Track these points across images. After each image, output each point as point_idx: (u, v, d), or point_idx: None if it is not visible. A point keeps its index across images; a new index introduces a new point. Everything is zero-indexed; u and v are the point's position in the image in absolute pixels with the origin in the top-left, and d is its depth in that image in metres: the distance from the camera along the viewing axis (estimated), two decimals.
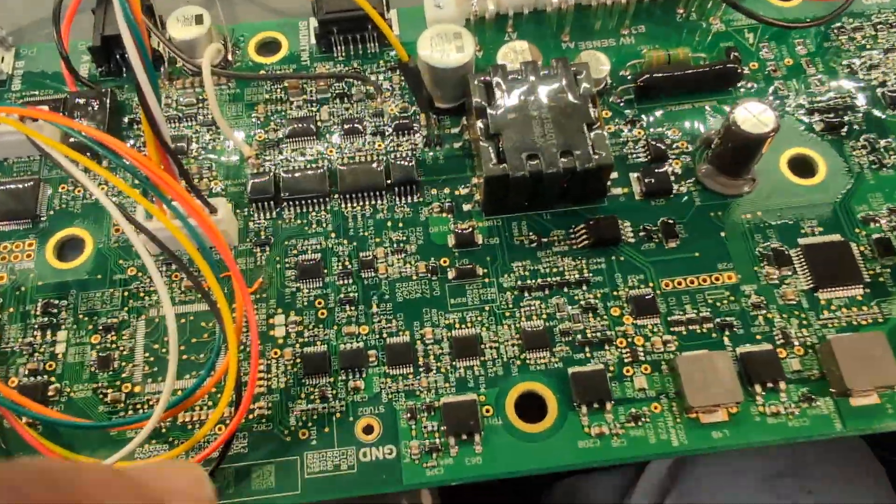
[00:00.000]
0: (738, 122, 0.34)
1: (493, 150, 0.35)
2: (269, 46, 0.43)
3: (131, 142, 0.40)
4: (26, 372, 0.34)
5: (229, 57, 0.42)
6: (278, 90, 0.41)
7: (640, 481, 0.49)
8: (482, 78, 0.36)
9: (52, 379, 0.34)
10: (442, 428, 0.33)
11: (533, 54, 0.40)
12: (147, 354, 0.35)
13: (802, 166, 0.39)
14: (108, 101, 0.40)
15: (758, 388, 0.33)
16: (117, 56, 0.41)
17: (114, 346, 0.35)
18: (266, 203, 0.38)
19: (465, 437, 0.32)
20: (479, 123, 0.35)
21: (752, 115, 0.35)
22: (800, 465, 0.46)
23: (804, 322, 0.34)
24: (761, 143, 0.35)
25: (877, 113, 0.39)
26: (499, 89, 0.36)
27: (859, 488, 0.46)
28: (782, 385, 0.33)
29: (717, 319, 0.35)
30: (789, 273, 0.36)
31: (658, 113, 0.40)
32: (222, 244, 0.31)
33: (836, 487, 0.46)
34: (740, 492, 0.45)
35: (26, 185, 0.38)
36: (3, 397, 0.30)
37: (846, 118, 0.39)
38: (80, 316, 0.35)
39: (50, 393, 0.34)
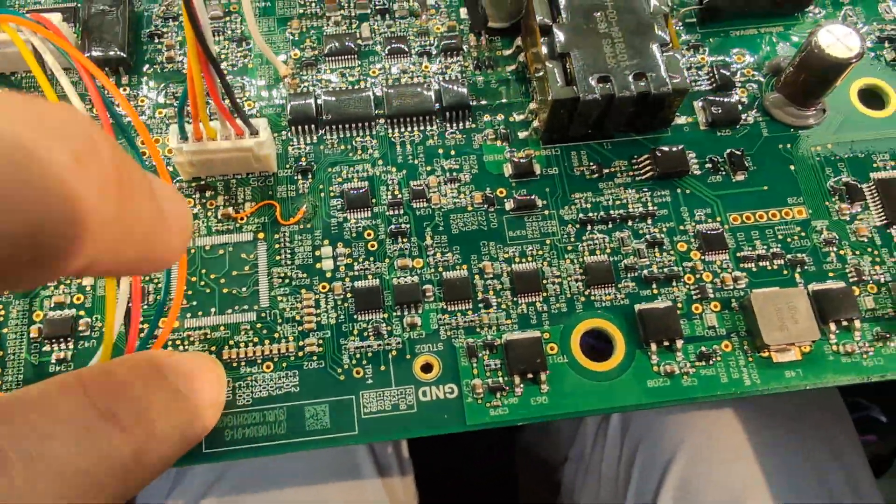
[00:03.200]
0: (821, 45, 0.32)
1: (560, 71, 0.32)
2: None
3: (150, 59, 0.37)
4: (52, 305, 0.32)
5: None
6: (313, 4, 0.38)
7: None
8: None
9: (82, 313, 0.31)
10: (505, 366, 0.31)
11: None
12: (185, 288, 0.32)
13: (873, 97, 0.37)
14: (125, 11, 0.36)
15: (832, 327, 0.32)
16: None
17: (146, 278, 0.32)
18: (306, 126, 0.35)
19: (530, 375, 0.31)
20: (544, 42, 0.33)
21: (837, 39, 0.32)
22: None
23: (877, 259, 0.33)
24: (844, 69, 0.33)
25: None
26: (563, 5, 0.33)
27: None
28: (857, 323, 0.32)
29: (789, 256, 0.33)
30: (861, 209, 0.34)
31: (722, 38, 0.38)
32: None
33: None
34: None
35: None
36: None
37: None
38: None
39: (80, 328, 0.31)
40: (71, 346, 0.31)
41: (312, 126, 0.35)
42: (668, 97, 0.32)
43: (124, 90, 0.36)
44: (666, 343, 0.31)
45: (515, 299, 0.32)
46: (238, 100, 0.35)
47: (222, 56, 0.37)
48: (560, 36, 0.32)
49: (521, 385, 0.31)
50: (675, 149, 0.34)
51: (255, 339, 0.31)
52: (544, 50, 0.33)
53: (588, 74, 0.32)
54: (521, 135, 0.35)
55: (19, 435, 0.16)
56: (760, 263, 0.33)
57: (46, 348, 0.31)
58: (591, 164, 0.35)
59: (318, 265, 0.33)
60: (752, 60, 0.37)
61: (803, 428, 0.49)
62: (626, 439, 0.52)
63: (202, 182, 0.34)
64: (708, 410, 0.49)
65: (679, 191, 0.34)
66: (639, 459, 0.50)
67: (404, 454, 0.52)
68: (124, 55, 0.35)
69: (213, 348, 0.31)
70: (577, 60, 0.32)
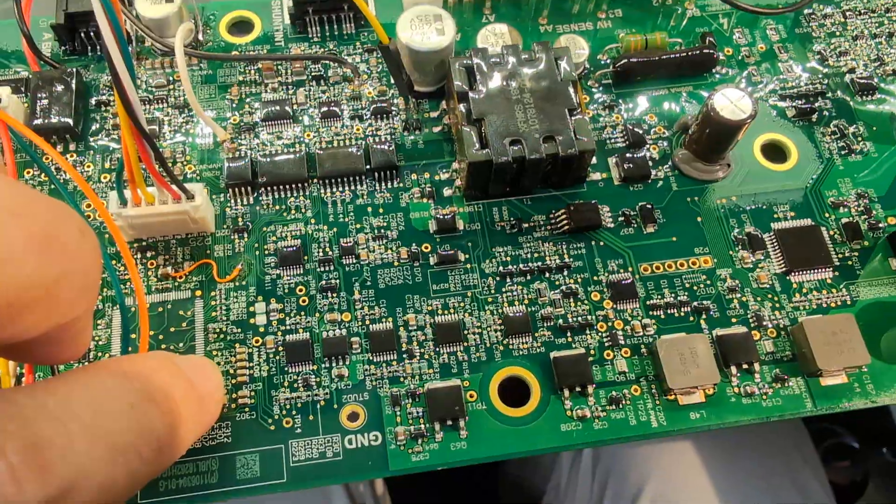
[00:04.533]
0: (716, 108, 0.35)
1: (475, 135, 0.35)
2: (241, 26, 0.42)
3: (97, 126, 0.39)
4: None
5: (200, 36, 0.41)
6: (252, 72, 0.40)
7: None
8: (463, 61, 0.36)
9: (23, 371, 0.33)
10: (427, 413, 0.33)
11: (513, 37, 0.40)
12: (123, 345, 0.34)
13: (775, 152, 0.39)
14: (73, 82, 0.38)
15: (733, 370, 0.34)
16: (81, 34, 0.40)
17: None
18: (243, 188, 0.37)
19: (449, 422, 0.32)
20: (461, 108, 0.35)
21: (731, 102, 0.35)
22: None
23: (777, 305, 0.35)
24: (738, 130, 0.35)
25: (846, 99, 0.40)
26: (480, 73, 0.36)
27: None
28: (756, 366, 0.34)
29: (694, 303, 0.35)
30: (762, 257, 0.36)
31: (635, 98, 0.40)
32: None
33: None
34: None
35: None
36: None
37: (817, 104, 0.40)
38: None
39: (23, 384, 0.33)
40: None
41: (249, 188, 0.37)
42: (575, 158, 0.34)
43: (71, 157, 0.38)
44: (579, 388, 0.33)
45: (438, 349, 0.34)
46: (177, 164, 0.38)
47: (165, 121, 0.39)
48: (476, 102, 0.35)
49: (441, 431, 0.32)
50: (589, 203, 0.37)
51: None
52: (462, 114, 0.35)
53: (501, 138, 0.34)
54: (446, 192, 0.38)
55: (77, 410, 0.19)
56: (668, 311, 0.35)
57: None
58: (512, 218, 0.37)
59: (251, 320, 0.34)
60: (663, 119, 0.40)
61: (766, 459, 0.51)
62: (597, 472, 0.54)
63: (143, 243, 0.36)
64: (674, 442, 0.51)
65: (593, 243, 0.37)
66: (609, 492, 0.52)
67: (378, 490, 0.53)
68: (71, 123, 0.37)
69: None
70: (492, 125, 0.34)
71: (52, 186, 0.37)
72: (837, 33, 0.42)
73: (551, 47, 0.37)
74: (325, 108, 0.39)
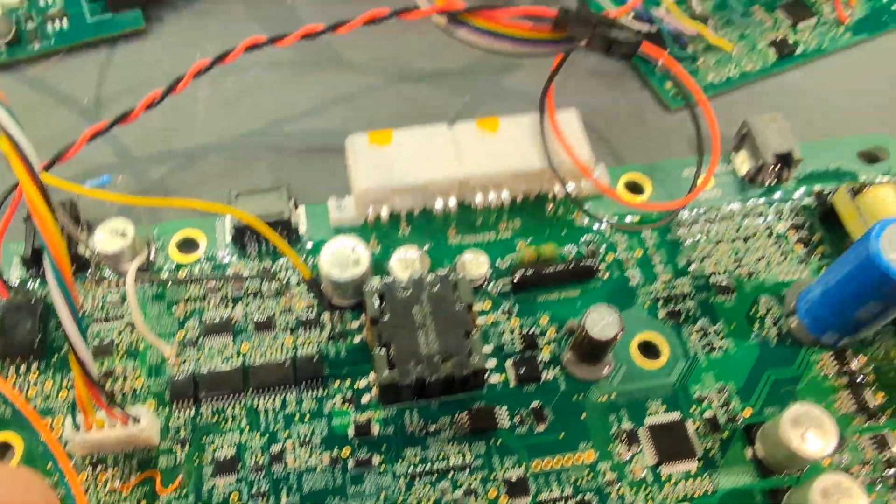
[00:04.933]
0: (587, 327, 0.41)
1: (385, 357, 0.41)
2: (188, 244, 0.48)
3: (57, 345, 0.44)
4: None
5: (152, 257, 0.47)
6: (196, 289, 0.46)
7: None
8: (376, 288, 0.42)
9: None
10: None
11: (422, 260, 0.46)
12: None
13: (649, 350, 0.46)
14: (37, 307, 0.44)
15: None
16: None
17: None
18: (185, 401, 0.42)
19: None
20: (373, 331, 0.41)
21: (602, 318, 0.41)
22: None
23: (649, 495, 0.41)
24: (608, 346, 0.42)
25: (709, 300, 0.47)
26: (389, 300, 0.42)
27: None
28: None
29: (578, 496, 0.41)
30: (638, 450, 0.42)
31: (531, 303, 0.47)
32: None
33: None
34: None
35: None
36: None
37: (685, 304, 0.47)
38: None
39: None
40: None
41: (190, 400, 0.42)
42: (470, 376, 0.40)
43: (34, 375, 0.43)
44: None
45: None
46: (127, 380, 0.43)
47: (117, 338, 0.44)
48: (384, 326, 0.41)
49: None
50: (486, 408, 0.43)
51: None
52: (374, 337, 0.41)
53: (406, 361, 0.40)
54: (364, 399, 0.43)
55: None
56: None
57: None
58: (421, 421, 0.43)
59: None
60: (555, 321, 0.46)
61: None
62: None
63: (94, 458, 0.41)
64: None
65: (492, 442, 0.42)
66: None
67: None
68: (34, 346, 0.43)
69: None
70: (398, 349, 0.40)
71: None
72: (701, 239, 0.50)
73: (452, 272, 0.43)
74: (259, 321, 0.45)
